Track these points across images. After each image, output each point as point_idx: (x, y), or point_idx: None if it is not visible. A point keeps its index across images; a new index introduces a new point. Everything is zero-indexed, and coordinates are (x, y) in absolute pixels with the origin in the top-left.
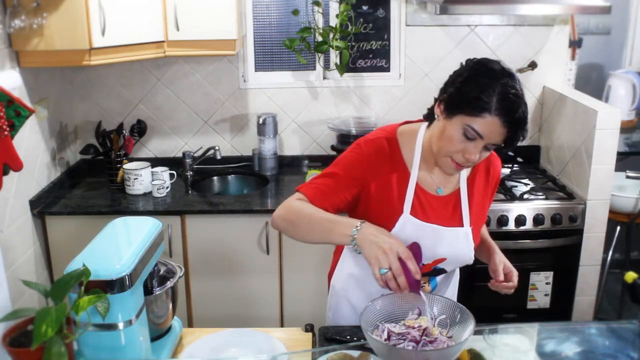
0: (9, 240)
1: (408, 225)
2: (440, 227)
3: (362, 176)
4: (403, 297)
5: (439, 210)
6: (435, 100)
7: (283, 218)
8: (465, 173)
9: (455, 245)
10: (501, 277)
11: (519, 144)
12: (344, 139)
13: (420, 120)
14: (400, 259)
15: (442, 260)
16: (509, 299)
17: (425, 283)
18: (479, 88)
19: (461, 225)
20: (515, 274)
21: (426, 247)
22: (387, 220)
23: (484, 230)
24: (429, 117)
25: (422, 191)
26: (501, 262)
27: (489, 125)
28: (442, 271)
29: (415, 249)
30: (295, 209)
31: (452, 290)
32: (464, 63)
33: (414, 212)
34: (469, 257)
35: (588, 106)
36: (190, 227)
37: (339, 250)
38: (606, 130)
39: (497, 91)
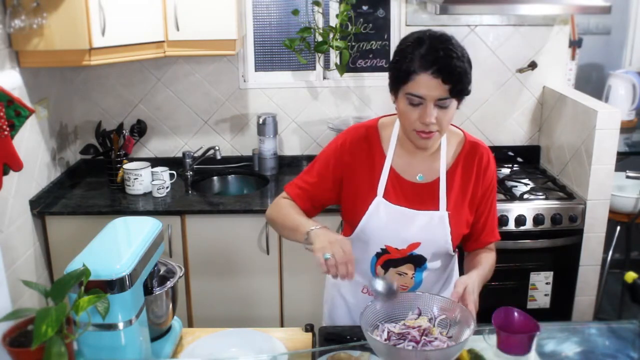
0: (9, 240)
1: (381, 208)
2: (412, 211)
3: (341, 164)
4: (402, 297)
5: (416, 195)
6: None
7: (269, 216)
8: (445, 159)
9: (429, 229)
10: (454, 297)
11: (520, 144)
12: None
13: None
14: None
15: (416, 245)
16: (509, 299)
17: (408, 271)
18: (403, 57)
19: (437, 209)
20: (469, 303)
21: (398, 230)
22: (362, 203)
23: (486, 256)
24: None
25: (398, 177)
26: (464, 284)
27: (422, 84)
28: (421, 259)
29: None
30: (278, 209)
31: (451, 289)
32: None
33: (387, 196)
34: (445, 241)
35: (588, 106)
36: (190, 227)
37: None
38: (606, 130)
39: (417, 51)
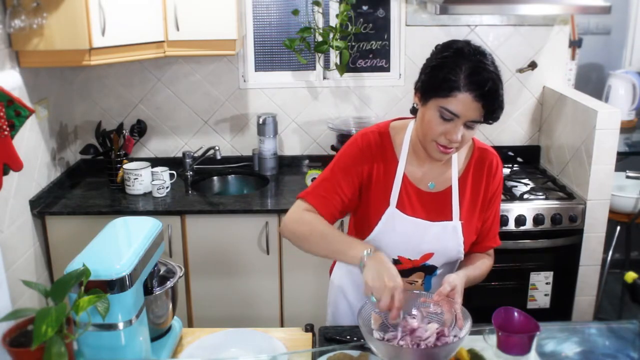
0: (9, 240)
1: (394, 219)
2: (426, 222)
3: (358, 171)
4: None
5: (429, 205)
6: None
7: (294, 231)
8: (456, 166)
9: (442, 239)
10: (436, 297)
11: (520, 144)
12: (344, 139)
13: (413, 117)
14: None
15: (430, 255)
16: (509, 299)
17: (418, 279)
18: (446, 68)
19: (450, 219)
20: (456, 304)
21: (412, 241)
22: (375, 213)
23: (483, 262)
24: (415, 111)
25: (411, 185)
26: (452, 285)
27: (461, 103)
28: (432, 268)
29: None
30: (309, 222)
31: None
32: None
33: (400, 206)
34: (457, 251)
35: (588, 106)
36: (190, 227)
37: None
38: (606, 130)
39: (464, 68)
